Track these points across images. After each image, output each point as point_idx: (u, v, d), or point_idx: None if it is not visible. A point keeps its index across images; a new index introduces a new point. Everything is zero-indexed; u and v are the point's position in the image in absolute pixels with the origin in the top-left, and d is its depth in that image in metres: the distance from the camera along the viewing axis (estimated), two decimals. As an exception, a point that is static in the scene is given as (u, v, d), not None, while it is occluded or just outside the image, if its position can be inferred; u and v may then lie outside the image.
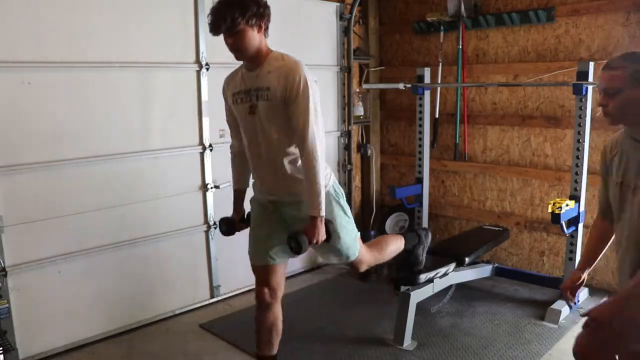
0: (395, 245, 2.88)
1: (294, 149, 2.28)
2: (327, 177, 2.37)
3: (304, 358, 3.03)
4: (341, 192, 2.47)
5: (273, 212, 2.45)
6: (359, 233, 2.59)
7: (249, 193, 2.62)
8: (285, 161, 2.29)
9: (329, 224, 2.30)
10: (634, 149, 1.72)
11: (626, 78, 1.62)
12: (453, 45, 4.36)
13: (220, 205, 3.57)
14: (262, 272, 2.48)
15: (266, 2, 2.24)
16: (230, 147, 2.61)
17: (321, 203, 2.20)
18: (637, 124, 1.70)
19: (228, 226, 2.63)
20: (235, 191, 2.63)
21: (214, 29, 2.16)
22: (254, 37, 2.19)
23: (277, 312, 2.54)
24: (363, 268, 2.71)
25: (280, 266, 2.49)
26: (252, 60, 2.26)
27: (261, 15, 2.20)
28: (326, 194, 2.30)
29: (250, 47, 2.20)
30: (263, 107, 2.24)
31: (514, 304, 3.69)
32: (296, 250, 2.23)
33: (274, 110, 2.22)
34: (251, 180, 2.57)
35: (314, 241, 2.22)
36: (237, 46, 2.18)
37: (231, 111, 2.44)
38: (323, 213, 2.22)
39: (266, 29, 2.26)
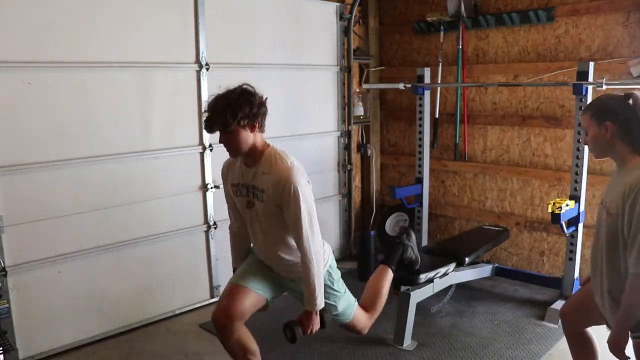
0: (386, 282, 2.91)
1: (289, 243, 2.35)
2: (325, 261, 2.44)
3: (304, 358, 3.03)
4: (335, 273, 2.53)
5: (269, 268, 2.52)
6: (356, 302, 2.67)
7: None
8: (282, 252, 2.39)
9: (324, 313, 2.38)
10: (617, 173, 1.99)
11: (589, 119, 1.97)
12: (453, 45, 4.36)
13: (221, 205, 3.56)
14: (233, 290, 2.42)
15: (261, 101, 2.24)
16: (229, 227, 2.66)
17: (317, 299, 2.29)
18: (607, 155, 1.99)
19: None
20: (234, 269, 2.66)
21: (208, 128, 2.20)
22: (247, 136, 2.21)
23: (238, 332, 2.36)
24: (363, 332, 2.76)
25: (253, 295, 2.42)
26: (248, 157, 2.30)
27: (254, 116, 2.20)
28: None
29: (243, 146, 2.22)
30: (259, 206, 2.31)
31: (514, 304, 3.69)
32: (291, 341, 2.34)
33: (269, 212, 2.29)
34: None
35: (308, 332, 2.32)
36: (229, 145, 2.22)
37: (230, 196, 2.48)
38: (318, 308, 2.31)
39: (261, 126, 2.26)
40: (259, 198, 2.29)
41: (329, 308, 2.51)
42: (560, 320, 2.38)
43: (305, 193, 2.21)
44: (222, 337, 2.40)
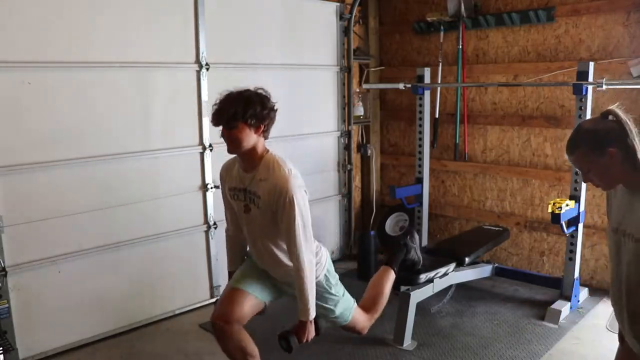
0: (388, 283, 2.90)
1: (286, 249, 2.33)
2: (322, 265, 2.43)
3: (304, 358, 3.03)
4: (333, 277, 2.51)
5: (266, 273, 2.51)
6: (355, 303, 2.66)
7: None
8: (279, 257, 2.37)
9: (319, 320, 2.37)
10: (630, 197, 1.76)
11: (586, 155, 1.72)
12: (453, 45, 4.36)
13: (220, 205, 3.57)
14: (232, 293, 2.42)
15: (273, 107, 2.24)
16: (226, 230, 2.64)
17: (310, 309, 2.27)
18: (618, 183, 1.78)
19: None
20: (229, 273, 2.65)
21: (214, 120, 2.19)
22: (250, 136, 2.19)
23: (237, 335, 2.37)
24: (362, 332, 2.75)
25: (251, 298, 2.42)
26: (245, 158, 2.28)
27: (262, 118, 2.20)
28: (317, 284, 2.36)
29: (244, 145, 2.20)
30: (255, 211, 2.30)
31: (514, 304, 3.69)
32: (287, 350, 2.32)
33: (266, 217, 2.28)
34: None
35: (304, 341, 2.30)
36: (231, 139, 2.19)
37: (227, 199, 2.47)
38: (312, 317, 2.29)
39: (265, 130, 2.25)
40: (255, 203, 2.28)
41: (326, 312, 2.50)
42: None
43: (300, 202, 2.20)
44: (221, 340, 2.40)
